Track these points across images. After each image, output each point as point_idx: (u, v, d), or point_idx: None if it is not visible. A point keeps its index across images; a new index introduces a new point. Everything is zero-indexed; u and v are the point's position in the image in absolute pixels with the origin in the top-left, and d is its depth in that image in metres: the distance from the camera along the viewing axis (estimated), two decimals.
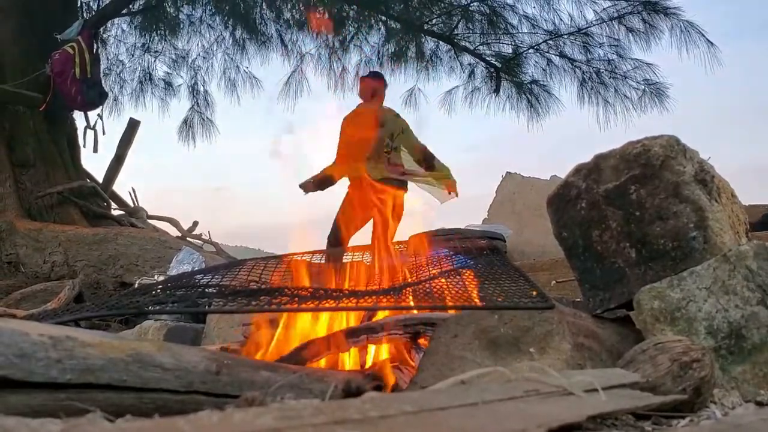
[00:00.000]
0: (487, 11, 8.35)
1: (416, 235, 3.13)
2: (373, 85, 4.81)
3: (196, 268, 3.88)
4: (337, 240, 4.31)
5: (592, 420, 0.97)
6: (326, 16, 7.82)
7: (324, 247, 4.16)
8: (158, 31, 9.18)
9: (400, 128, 4.69)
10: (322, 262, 3.02)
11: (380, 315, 2.07)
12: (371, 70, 8.09)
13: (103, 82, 7.31)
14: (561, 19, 8.16)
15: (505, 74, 8.69)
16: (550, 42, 8.30)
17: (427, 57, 9.04)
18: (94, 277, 5.82)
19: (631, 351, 1.44)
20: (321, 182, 4.68)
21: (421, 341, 1.86)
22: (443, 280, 2.10)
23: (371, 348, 2.05)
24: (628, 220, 1.83)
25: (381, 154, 4.54)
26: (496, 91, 8.68)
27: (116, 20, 8.98)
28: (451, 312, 1.83)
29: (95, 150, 7.06)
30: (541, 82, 8.56)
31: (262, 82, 9.67)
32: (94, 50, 6.83)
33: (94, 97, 6.73)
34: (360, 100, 4.89)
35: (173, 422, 0.64)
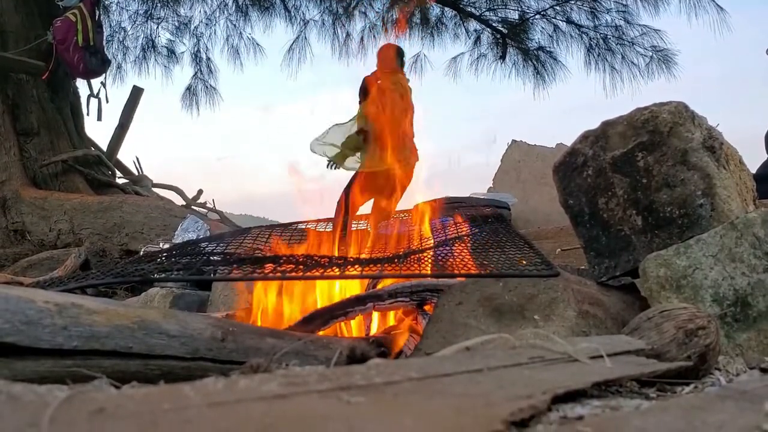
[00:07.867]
0: None
1: (421, 203, 3.12)
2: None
3: (201, 237, 3.88)
4: (347, 201, 4.16)
5: (597, 387, 0.97)
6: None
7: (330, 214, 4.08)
8: None
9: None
10: (328, 230, 3.01)
11: (386, 282, 2.08)
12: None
13: (105, 49, 7.24)
14: None
15: (512, 41, 8.60)
16: (557, 8, 8.21)
17: (432, 23, 8.93)
18: (99, 244, 5.83)
19: (636, 318, 1.44)
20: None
21: (427, 308, 1.86)
22: (448, 248, 2.10)
23: (376, 315, 2.06)
24: (635, 187, 1.82)
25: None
26: (502, 57, 8.60)
27: None
28: (457, 279, 1.83)
29: (99, 118, 7.01)
30: (548, 49, 8.49)
31: (265, 49, 9.59)
32: (97, 17, 6.74)
33: (96, 64, 6.66)
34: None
35: (179, 388, 0.64)
